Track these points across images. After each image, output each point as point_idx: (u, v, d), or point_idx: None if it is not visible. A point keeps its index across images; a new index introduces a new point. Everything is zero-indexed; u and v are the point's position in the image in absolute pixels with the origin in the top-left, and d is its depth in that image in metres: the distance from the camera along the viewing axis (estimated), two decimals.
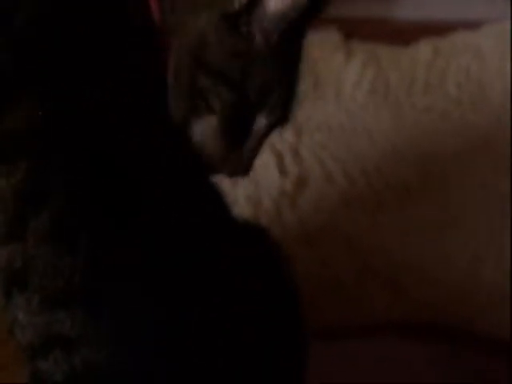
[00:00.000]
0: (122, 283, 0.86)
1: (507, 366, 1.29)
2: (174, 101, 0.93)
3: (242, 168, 0.95)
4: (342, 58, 1.88)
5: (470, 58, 1.90)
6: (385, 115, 1.76)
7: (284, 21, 0.89)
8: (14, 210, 0.84)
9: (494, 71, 1.85)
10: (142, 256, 0.87)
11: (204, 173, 0.96)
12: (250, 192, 1.55)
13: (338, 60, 1.87)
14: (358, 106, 1.79)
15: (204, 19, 0.91)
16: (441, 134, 1.71)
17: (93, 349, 0.85)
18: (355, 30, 1.97)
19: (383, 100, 1.80)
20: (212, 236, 0.93)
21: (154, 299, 0.87)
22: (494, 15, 1.98)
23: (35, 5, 0.87)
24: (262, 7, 0.89)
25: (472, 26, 1.98)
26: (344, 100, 1.80)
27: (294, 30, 0.91)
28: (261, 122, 0.94)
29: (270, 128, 0.95)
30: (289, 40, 0.92)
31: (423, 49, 1.93)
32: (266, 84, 0.92)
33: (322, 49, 1.86)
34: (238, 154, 0.94)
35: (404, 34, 1.98)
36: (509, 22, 1.90)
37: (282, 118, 0.95)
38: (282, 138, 1.63)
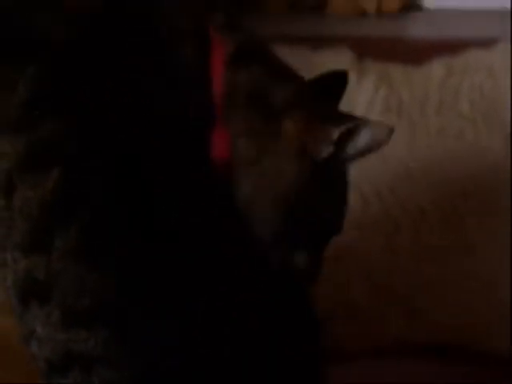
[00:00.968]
0: (147, 303, 0.86)
1: None
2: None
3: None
4: (355, 78, 1.87)
5: (483, 76, 1.90)
6: (398, 135, 1.74)
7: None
8: (39, 220, 0.84)
9: (507, 89, 1.85)
10: (167, 276, 0.86)
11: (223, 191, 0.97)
12: None
13: (351, 79, 1.86)
14: None
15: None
16: (455, 156, 1.71)
17: (114, 369, 0.85)
18: (368, 49, 1.97)
19: (396, 119, 1.79)
20: (233, 259, 0.94)
21: (179, 321, 0.87)
22: (506, 33, 1.97)
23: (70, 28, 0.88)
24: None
25: (485, 44, 1.98)
26: None
27: None
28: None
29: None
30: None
31: (436, 67, 1.93)
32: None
33: (334, 68, 1.86)
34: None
35: (417, 53, 1.98)
36: None
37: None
38: None
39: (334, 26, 2.22)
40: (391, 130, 0.96)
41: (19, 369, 1.00)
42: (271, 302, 0.96)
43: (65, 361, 0.85)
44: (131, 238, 0.85)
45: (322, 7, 2.29)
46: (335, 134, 0.94)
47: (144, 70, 0.90)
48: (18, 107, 0.84)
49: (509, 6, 2.13)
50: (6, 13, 0.87)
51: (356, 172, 1.65)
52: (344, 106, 1.79)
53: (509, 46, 1.94)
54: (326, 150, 0.94)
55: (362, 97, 1.84)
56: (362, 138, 0.95)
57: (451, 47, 1.97)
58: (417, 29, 2.19)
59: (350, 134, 0.94)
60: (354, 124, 0.94)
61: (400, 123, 1.79)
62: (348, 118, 0.96)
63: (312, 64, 1.79)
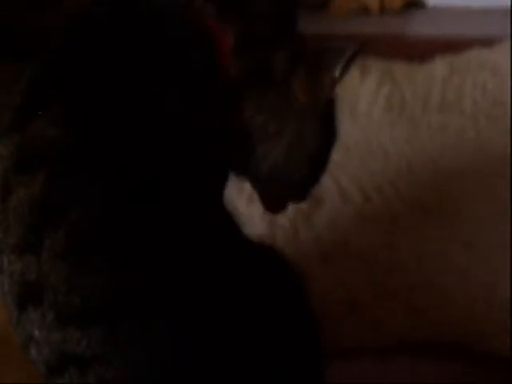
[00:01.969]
0: (139, 300, 0.85)
1: None
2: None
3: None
4: (358, 75, 1.88)
5: (486, 74, 1.90)
6: (400, 132, 1.76)
7: None
8: (30, 221, 0.84)
9: (510, 88, 1.85)
10: (158, 273, 0.86)
11: (217, 195, 0.97)
12: None
13: (353, 77, 1.87)
14: (374, 123, 1.78)
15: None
16: (457, 152, 1.71)
17: (109, 367, 0.85)
18: (370, 47, 1.97)
19: (399, 117, 1.80)
20: (227, 258, 0.93)
21: (171, 316, 0.87)
22: (509, 32, 1.97)
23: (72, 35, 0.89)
24: None
25: (488, 42, 1.98)
26: (359, 117, 1.80)
27: None
28: None
29: None
30: None
31: (439, 66, 1.93)
32: None
33: None
34: None
35: (420, 51, 1.98)
36: None
37: None
38: None
39: (337, 23, 2.22)
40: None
41: (21, 364, 1.00)
42: (269, 300, 0.96)
43: (61, 361, 0.85)
44: (121, 236, 0.85)
45: (325, 5, 2.30)
46: (337, 71, 1.00)
47: (146, 70, 0.90)
48: (12, 108, 0.85)
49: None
50: (5, 13, 0.88)
51: (358, 167, 1.68)
52: (347, 102, 1.81)
53: None
54: (332, 89, 1.01)
55: (365, 94, 1.85)
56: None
57: (454, 45, 1.97)
58: (420, 27, 2.19)
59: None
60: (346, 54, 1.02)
61: (402, 120, 1.79)
62: (338, 53, 1.03)
63: None
